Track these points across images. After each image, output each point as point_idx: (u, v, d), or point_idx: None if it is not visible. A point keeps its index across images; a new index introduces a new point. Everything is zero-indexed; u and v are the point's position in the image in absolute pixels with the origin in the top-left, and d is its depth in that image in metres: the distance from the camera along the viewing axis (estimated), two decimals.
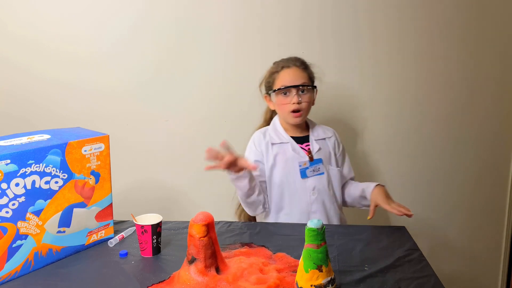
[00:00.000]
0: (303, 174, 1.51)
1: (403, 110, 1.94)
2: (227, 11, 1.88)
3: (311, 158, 1.52)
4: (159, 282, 1.04)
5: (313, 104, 1.58)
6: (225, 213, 1.73)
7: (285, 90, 1.49)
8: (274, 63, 1.58)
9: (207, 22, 1.89)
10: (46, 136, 1.18)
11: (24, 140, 1.14)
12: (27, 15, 1.92)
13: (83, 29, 1.92)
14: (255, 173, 1.48)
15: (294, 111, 1.50)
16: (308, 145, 1.56)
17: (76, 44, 1.93)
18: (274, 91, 1.52)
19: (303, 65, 1.54)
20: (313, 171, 1.52)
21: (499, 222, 2.02)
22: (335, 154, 1.59)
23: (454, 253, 2.03)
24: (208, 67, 1.92)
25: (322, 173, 1.53)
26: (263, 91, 1.61)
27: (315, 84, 1.57)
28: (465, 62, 1.89)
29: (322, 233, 0.93)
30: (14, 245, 1.06)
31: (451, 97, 1.92)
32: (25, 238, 1.08)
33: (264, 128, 1.62)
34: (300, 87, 1.50)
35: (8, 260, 1.06)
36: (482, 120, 1.94)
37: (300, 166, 1.51)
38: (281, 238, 1.29)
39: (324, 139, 1.58)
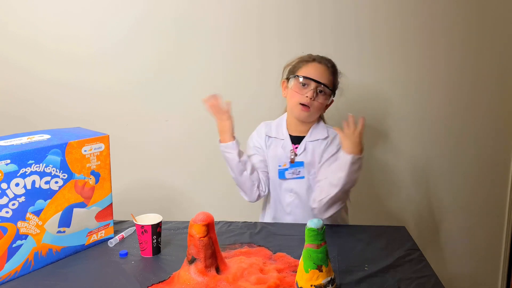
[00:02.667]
0: (281, 175, 1.49)
1: (402, 110, 1.93)
2: (227, 12, 1.87)
3: (292, 160, 1.48)
4: (159, 282, 1.04)
5: (324, 110, 1.53)
6: (225, 213, 1.72)
7: (306, 81, 1.42)
8: (308, 55, 1.52)
9: (206, 22, 1.89)
10: (46, 136, 1.18)
11: (24, 140, 1.14)
12: (27, 15, 1.92)
13: (83, 29, 1.92)
14: (258, 157, 1.51)
15: (303, 104, 1.43)
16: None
17: (76, 44, 1.93)
18: (295, 76, 1.45)
19: (333, 68, 1.48)
20: (293, 173, 1.48)
21: (499, 222, 2.01)
22: (328, 156, 1.48)
23: (454, 253, 2.03)
24: (207, 67, 1.92)
25: (302, 177, 1.47)
26: (285, 75, 1.54)
27: (335, 92, 1.51)
28: (465, 62, 1.89)
29: (322, 233, 0.93)
30: (14, 245, 1.06)
31: (451, 97, 1.92)
32: (25, 238, 1.08)
33: (271, 121, 1.59)
34: (321, 85, 1.42)
35: (8, 260, 1.06)
36: (482, 120, 1.93)
37: (279, 166, 1.49)
38: (281, 238, 1.29)
39: (317, 140, 1.49)
